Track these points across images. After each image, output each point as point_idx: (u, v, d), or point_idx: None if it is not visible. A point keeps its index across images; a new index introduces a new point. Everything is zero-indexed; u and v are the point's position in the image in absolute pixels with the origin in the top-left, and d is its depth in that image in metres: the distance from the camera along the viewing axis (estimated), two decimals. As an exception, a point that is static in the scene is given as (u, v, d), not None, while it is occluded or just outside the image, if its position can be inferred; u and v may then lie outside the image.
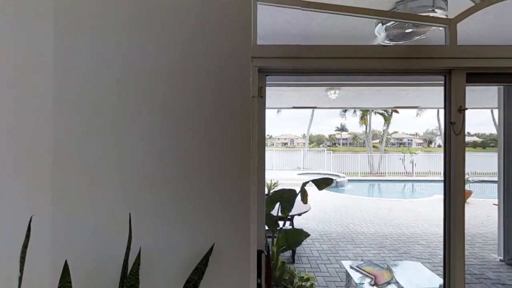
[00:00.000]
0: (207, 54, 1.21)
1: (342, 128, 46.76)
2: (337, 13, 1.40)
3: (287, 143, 57.93)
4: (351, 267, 3.12)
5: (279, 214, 2.66)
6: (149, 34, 1.22)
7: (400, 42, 2.71)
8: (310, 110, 19.36)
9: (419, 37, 2.65)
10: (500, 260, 4.14)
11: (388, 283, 2.79)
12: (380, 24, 2.68)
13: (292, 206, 2.63)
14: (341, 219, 6.64)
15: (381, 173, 15.77)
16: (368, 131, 22.41)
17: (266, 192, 5.31)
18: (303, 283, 2.78)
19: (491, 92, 4.46)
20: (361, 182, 14.06)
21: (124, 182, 1.21)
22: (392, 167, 15.80)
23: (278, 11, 1.67)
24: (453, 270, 1.29)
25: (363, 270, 3.01)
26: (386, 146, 23.05)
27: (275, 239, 2.60)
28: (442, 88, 1.36)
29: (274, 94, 5.79)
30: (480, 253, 4.53)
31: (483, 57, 1.26)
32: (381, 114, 20.45)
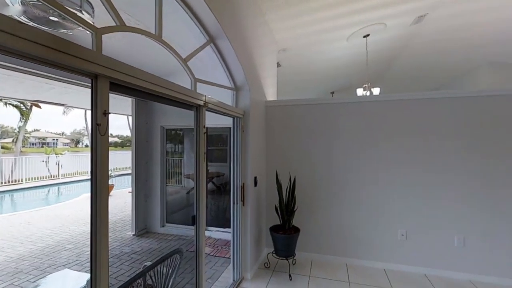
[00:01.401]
0: None
1: None
2: None
3: None
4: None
5: None
6: None
7: (43, 27, 2.39)
8: None
9: (66, 31, 2.53)
10: (133, 235, 5.32)
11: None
12: (15, -8, 2.15)
13: None
14: None
15: (15, 181, 12.52)
16: (-6, 126, 16.61)
17: None
18: None
19: (128, 102, 5.56)
20: (-19, 197, 10.09)
21: None
22: (32, 172, 13.22)
23: None
24: (99, 261, 1.40)
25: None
26: (24, 147, 18.76)
27: None
28: (90, 90, 1.42)
29: None
30: (120, 235, 5.42)
31: (122, 72, 1.53)
32: (16, 106, 16.27)
